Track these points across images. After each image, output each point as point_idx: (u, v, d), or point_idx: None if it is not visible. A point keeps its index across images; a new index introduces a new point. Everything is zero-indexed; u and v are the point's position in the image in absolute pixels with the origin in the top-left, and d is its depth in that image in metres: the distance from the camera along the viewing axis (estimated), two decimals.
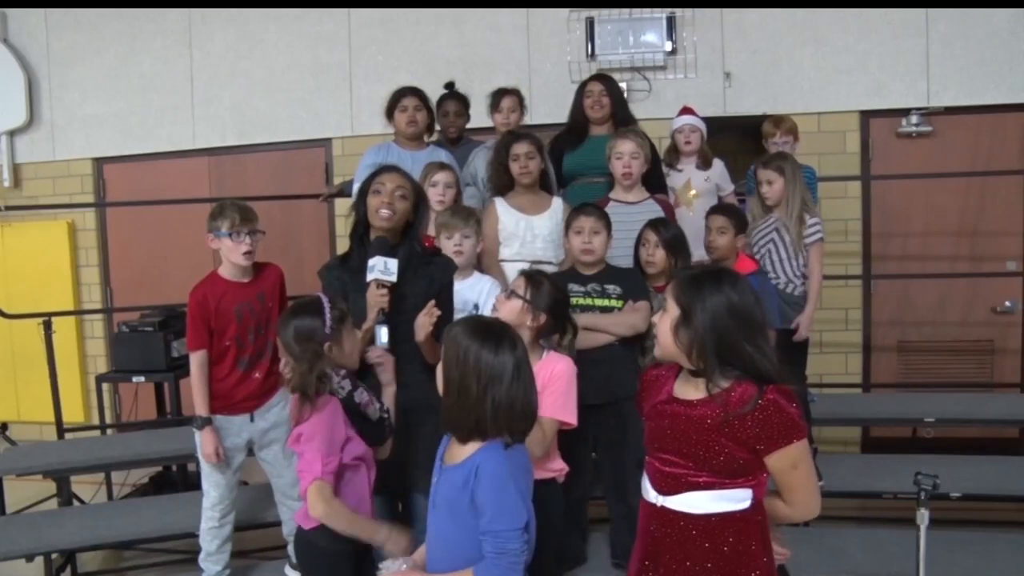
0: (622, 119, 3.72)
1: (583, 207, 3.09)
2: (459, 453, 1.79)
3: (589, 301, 2.98)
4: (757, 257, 3.49)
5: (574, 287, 2.98)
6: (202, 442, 2.98)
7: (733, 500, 1.64)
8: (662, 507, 1.69)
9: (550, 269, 3.23)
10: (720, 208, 3.45)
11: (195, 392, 2.98)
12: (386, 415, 2.35)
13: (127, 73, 5.53)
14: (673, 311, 1.66)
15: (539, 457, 2.26)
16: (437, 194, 3.28)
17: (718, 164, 3.79)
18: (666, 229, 3.12)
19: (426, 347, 2.47)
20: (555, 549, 2.44)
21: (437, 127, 3.97)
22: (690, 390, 1.69)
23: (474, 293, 3.01)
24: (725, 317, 1.60)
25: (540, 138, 3.48)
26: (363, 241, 2.57)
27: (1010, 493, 3.52)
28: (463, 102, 4.08)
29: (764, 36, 4.81)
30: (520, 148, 3.33)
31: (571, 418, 2.39)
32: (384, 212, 2.48)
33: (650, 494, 1.73)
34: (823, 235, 3.55)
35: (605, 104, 3.69)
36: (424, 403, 2.47)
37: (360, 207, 2.57)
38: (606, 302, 2.99)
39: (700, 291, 1.63)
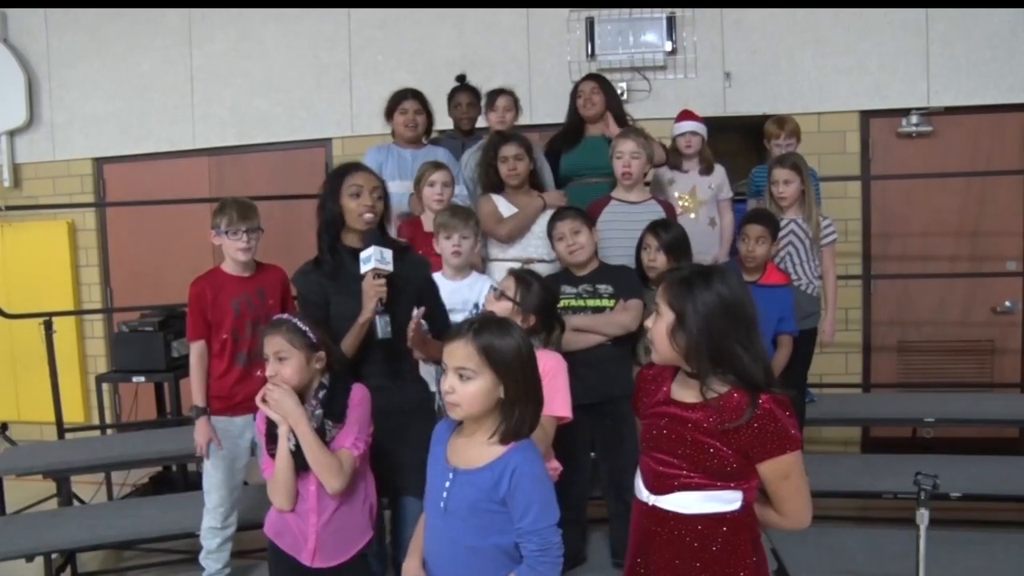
0: (617, 114, 3.73)
1: (556, 213, 3.10)
2: (479, 456, 1.73)
3: (581, 303, 2.99)
4: (776, 260, 3.45)
5: (566, 289, 2.99)
6: (195, 431, 2.98)
7: (723, 502, 1.64)
8: (653, 506, 1.69)
9: (544, 267, 3.23)
10: (757, 217, 3.34)
11: (192, 382, 3.00)
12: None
13: (127, 73, 5.53)
14: (667, 315, 1.64)
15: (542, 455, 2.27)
16: (435, 194, 3.29)
17: (719, 170, 3.77)
18: (666, 231, 3.09)
19: (417, 349, 2.45)
20: None
21: (439, 123, 3.97)
22: (687, 392, 1.68)
23: (473, 293, 3.01)
24: (718, 316, 1.59)
25: (528, 138, 3.48)
26: (335, 246, 2.48)
27: (1010, 493, 3.51)
28: (475, 94, 4.10)
29: (764, 36, 4.81)
30: (508, 150, 3.35)
31: (567, 412, 2.40)
32: (368, 216, 2.44)
33: (642, 493, 1.73)
34: (837, 235, 3.64)
35: (596, 101, 3.71)
36: (414, 403, 2.46)
37: (334, 208, 2.47)
38: (598, 302, 2.99)
39: (691, 292, 1.61)
